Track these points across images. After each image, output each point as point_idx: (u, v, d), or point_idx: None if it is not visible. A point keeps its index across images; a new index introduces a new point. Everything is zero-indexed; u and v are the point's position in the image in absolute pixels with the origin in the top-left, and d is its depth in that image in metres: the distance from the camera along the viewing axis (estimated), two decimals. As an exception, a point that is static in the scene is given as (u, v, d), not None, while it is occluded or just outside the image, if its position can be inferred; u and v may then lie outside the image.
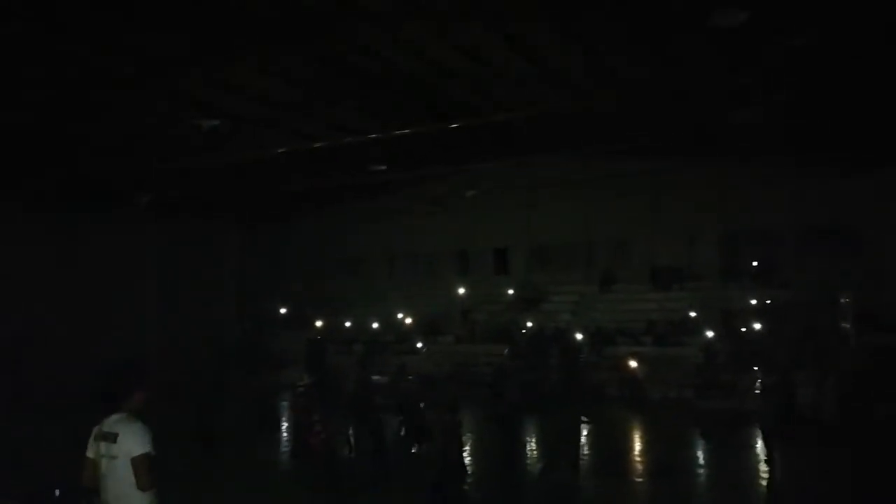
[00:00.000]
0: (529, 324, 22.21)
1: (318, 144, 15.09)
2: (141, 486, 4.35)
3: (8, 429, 13.89)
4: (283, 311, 26.29)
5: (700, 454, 12.65)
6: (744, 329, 19.11)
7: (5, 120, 13.57)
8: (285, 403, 11.65)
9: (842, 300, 18.15)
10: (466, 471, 10.50)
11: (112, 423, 4.52)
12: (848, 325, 17.95)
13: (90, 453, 4.62)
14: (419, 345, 22.72)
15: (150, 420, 4.56)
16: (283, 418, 15.95)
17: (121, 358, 4.96)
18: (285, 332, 25.23)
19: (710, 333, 19.07)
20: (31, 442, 12.97)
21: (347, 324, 24.88)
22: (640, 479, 10.72)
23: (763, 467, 11.40)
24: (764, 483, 10.47)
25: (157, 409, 5.06)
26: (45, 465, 10.20)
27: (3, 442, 12.52)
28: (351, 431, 12.03)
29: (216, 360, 22.23)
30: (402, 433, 11.84)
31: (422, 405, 11.77)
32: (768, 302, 20.09)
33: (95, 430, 4.62)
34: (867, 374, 14.93)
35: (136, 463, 4.33)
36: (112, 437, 4.43)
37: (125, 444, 4.37)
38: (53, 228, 20.75)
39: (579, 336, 20.41)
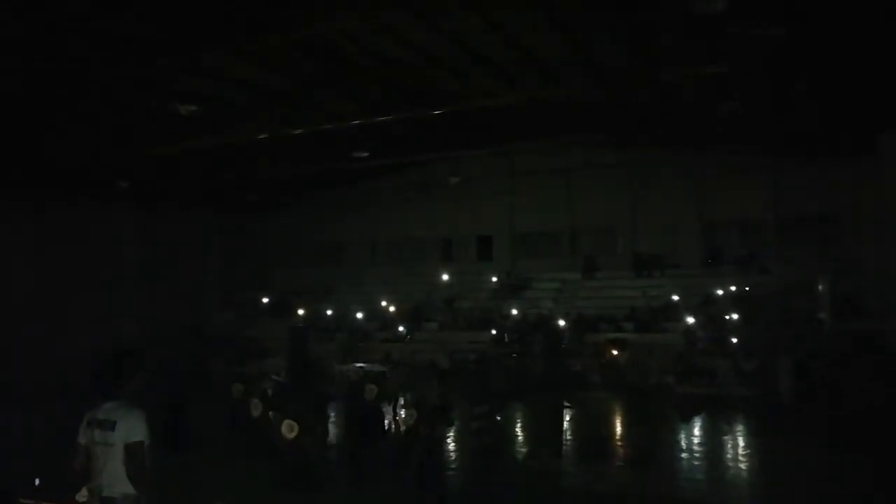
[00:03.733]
0: (513, 311, 22.28)
1: (298, 131, 14.93)
2: (130, 473, 4.28)
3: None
4: (265, 299, 26.09)
5: (680, 439, 12.82)
6: (724, 316, 19.33)
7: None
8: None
9: (820, 287, 18.43)
10: (445, 455, 10.50)
11: (108, 409, 4.44)
12: (825, 313, 18.24)
13: (82, 440, 4.55)
14: (398, 332, 22.71)
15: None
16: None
17: (118, 345, 4.88)
18: (267, 321, 25.08)
19: (690, 320, 19.27)
20: (8, 434, 12.83)
21: (330, 312, 24.78)
22: (620, 464, 10.84)
23: (742, 452, 11.63)
24: (743, 467, 10.66)
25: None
26: (24, 456, 10.11)
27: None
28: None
29: (197, 350, 22.06)
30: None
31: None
32: (748, 289, 20.34)
33: (88, 416, 4.53)
34: (842, 360, 15.21)
35: (131, 450, 4.27)
36: (109, 425, 4.35)
37: (122, 431, 4.29)
38: (29, 218, 20.37)
39: (562, 323, 20.51)
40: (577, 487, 9.71)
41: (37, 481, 7.46)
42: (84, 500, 5.46)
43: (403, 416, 10.03)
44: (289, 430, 9.43)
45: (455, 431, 11.96)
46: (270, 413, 10.60)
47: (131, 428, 4.30)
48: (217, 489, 8.96)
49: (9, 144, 15.63)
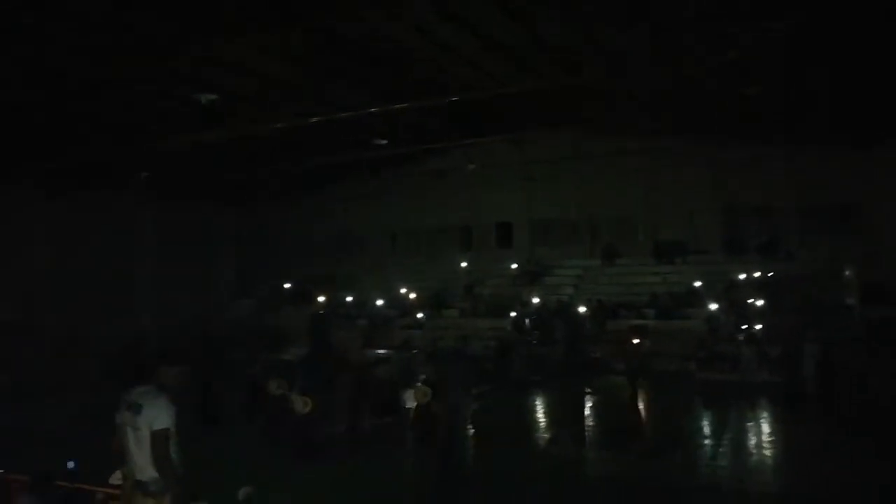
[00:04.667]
0: (533, 298, 22.22)
1: (315, 119, 14.95)
2: (154, 460, 4.35)
3: (11, 412, 14.03)
4: (286, 287, 26.31)
5: (703, 426, 12.74)
6: (747, 301, 19.07)
7: None
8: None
9: (845, 272, 18.09)
10: (466, 445, 10.62)
11: (138, 393, 4.52)
12: (851, 298, 17.93)
13: (118, 420, 4.65)
14: (418, 319, 22.77)
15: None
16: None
17: (143, 334, 4.95)
18: (289, 310, 25.31)
19: (713, 306, 19.05)
20: (37, 423, 13.13)
21: (350, 299, 24.93)
22: (643, 451, 10.78)
23: (767, 438, 11.51)
24: (768, 454, 10.55)
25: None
26: (54, 444, 10.38)
27: (10, 424, 12.65)
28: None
29: (219, 339, 22.32)
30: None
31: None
32: (771, 274, 20.04)
33: (123, 397, 4.63)
34: (868, 347, 14.96)
35: (155, 437, 4.33)
36: (137, 408, 4.43)
37: (148, 415, 4.36)
38: (48, 211, 20.65)
39: (582, 310, 20.42)
40: (599, 474, 9.70)
41: (70, 464, 7.67)
42: (118, 482, 5.60)
43: (416, 389, 10.31)
44: (303, 405, 10.09)
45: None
46: (286, 392, 10.97)
47: (157, 415, 4.36)
48: (236, 460, 9.48)
49: (29, 135, 15.85)
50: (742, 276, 20.39)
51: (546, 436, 11.69)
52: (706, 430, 12.38)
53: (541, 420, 13.65)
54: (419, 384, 12.77)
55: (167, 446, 4.35)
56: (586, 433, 11.54)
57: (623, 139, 22.19)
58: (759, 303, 18.79)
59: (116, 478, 5.88)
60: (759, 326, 17.65)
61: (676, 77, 14.17)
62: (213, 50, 11.64)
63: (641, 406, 14.14)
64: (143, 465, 4.41)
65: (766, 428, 12.37)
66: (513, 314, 21.39)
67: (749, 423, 12.64)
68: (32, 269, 19.78)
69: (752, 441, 11.43)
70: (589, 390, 15.39)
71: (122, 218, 22.98)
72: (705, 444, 11.25)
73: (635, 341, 18.29)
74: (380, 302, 24.02)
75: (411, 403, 10.14)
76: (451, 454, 8.95)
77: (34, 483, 6.64)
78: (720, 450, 10.83)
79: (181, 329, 21.99)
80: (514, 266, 24.98)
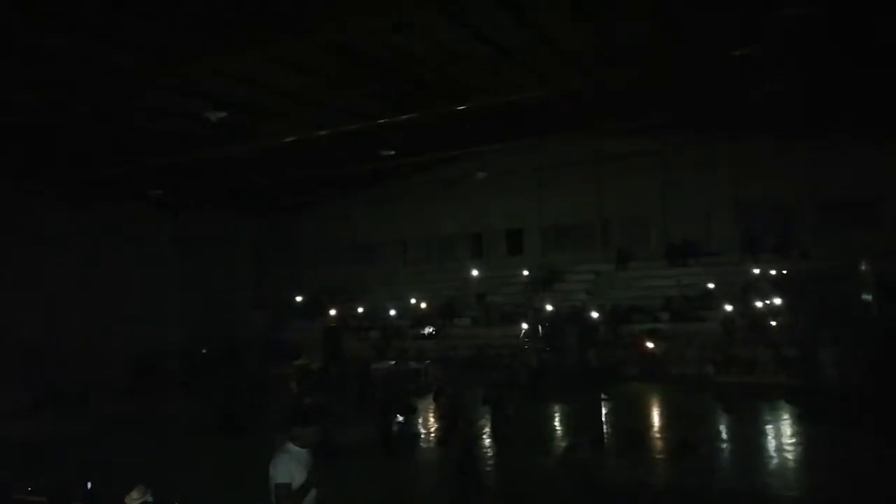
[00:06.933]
0: (546, 304, 22.14)
1: (325, 132, 15.03)
2: None
3: (34, 426, 14.13)
4: (298, 299, 26.39)
5: (722, 430, 12.59)
6: (764, 302, 18.90)
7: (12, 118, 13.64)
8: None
9: (862, 270, 17.88)
10: (483, 453, 10.63)
11: (276, 445, 4.80)
12: (870, 297, 17.70)
13: None
14: (430, 329, 22.76)
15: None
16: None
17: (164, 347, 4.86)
18: (301, 321, 25.37)
19: (728, 308, 18.89)
20: (59, 438, 13.20)
21: (363, 310, 24.95)
22: (662, 456, 10.68)
23: (788, 441, 11.36)
24: (790, 458, 10.41)
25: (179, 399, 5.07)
26: (74, 460, 10.42)
27: (31, 439, 12.74)
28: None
29: (235, 351, 22.43)
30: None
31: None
32: (786, 273, 19.86)
33: None
34: (887, 348, 14.74)
35: (275, 491, 4.57)
36: (273, 464, 4.68)
37: (273, 471, 4.62)
38: (69, 223, 20.82)
39: (596, 315, 20.31)
40: (617, 480, 9.60)
41: (88, 485, 7.67)
42: (134, 502, 5.61)
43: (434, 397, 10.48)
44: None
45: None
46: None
47: (276, 471, 4.61)
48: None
49: (49, 147, 16.04)
50: (757, 277, 20.22)
51: (562, 443, 11.60)
52: (724, 434, 12.24)
53: (556, 428, 13.54)
54: (435, 392, 12.87)
55: (285, 500, 4.55)
56: (603, 439, 11.43)
57: (636, 140, 22.14)
58: (776, 302, 18.62)
59: (132, 498, 5.91)
60: (774, 326, 17.49)
61: (691, 73, 14.12)
62: (225, 64, 11.73)
63: (658, 411, 14.00)
64: None
65: (782, 431, 12.18)
66: (525, 322, 21.32)
67: (766, 427, 12.46)
68: (53, 282, 19.94)
69: (770, 445, 11.29)
70: (605, 396, 15.28)
71: (143, 229, 23.17)
72: (721, 449, 11.12)
73: (650, 345, 18.24)
74: (392, 312, 24.02)
75: (429, 409, 10.23)
76: (468, 459, 8.91)
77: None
78: (736, 455, 10.70)
79: (203, 341, 22.24)
80: (526, 273, 24.91)
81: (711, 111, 18.31)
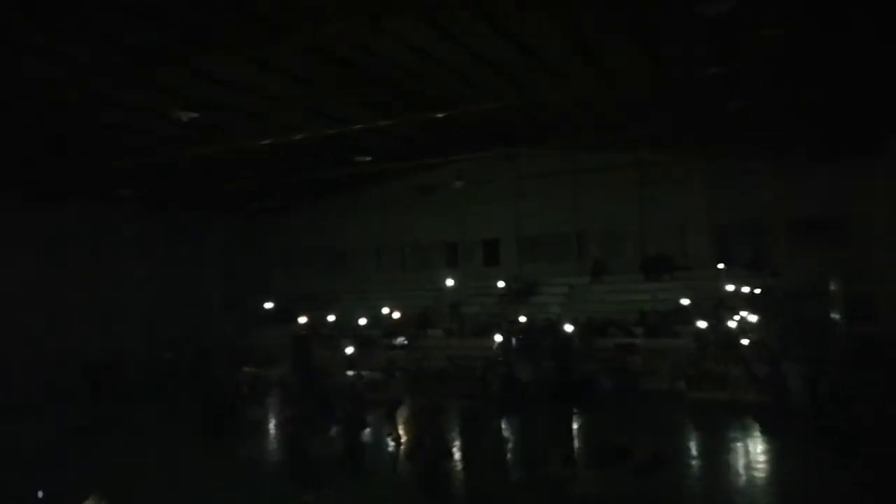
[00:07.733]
0: (521, 316, 22.00)
1: (302, 136, 14.76)
2: None
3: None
4: (268, 305, 25.86)
5: (693, 445, 12.53)
6: (736, 319, 19.00)
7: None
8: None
9: (832, 288, 18.09)
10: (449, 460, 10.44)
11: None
12: (838, 315, 17.91)
13: None
14: (402, 339, 22.46)
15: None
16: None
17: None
18: (270, 328, 24.86)
19: (701, 324, 18.94)
20: (16, 442, 12.72)
21: (333, 318, 24.52)
22: (632, 471, 10.56)
23: (758, 458, 11.34)
24: (760, 474, 10.37)
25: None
26: (32, 466, 10.02)
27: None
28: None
29: (200, 357, 21.93)
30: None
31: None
32: (758, 291, 20.03)
33: None
34: (853, 368, 14.90)
35: None
36: None
37: None
38: (33, 223, 20.23)
39: (570, 328, 20.22)
40: (587, 494, 9.46)
41: (39, 494, 7.31)
42: None
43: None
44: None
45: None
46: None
47: None
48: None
49: (18, 146, 15.53)
50: (730, 292, 20.35)
51: (535, 456, 11.43)
52: (694, 450, 12.18)
53: (526, 441, 13.36)
54: (392, 406, 12.71)
55: None
56: (574, 453, 11.30)
57: (613, 153, 22.23)
58: (748, 319, 18.72)
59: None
60: (746, 344, 17.55)
61: (665, 90, 14.18)
62: (200, 64, 11.44)
63: (630, 425, 13.91)
64: None
65: (751, 448, 12.16)
66: (499, 334, 21.14)
67: (735, 444, 12.43)
68: (18, 284, 19.30)
69: (739, 462, 11.25)
70: (577, 410, 15.17)
71: (109, 230, 22.58)
72: (692, 465, 11.05)
73: (624, 359, 18.21)
74: (363, 321, 23.64)
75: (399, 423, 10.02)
76: (438, 471, 8.72)
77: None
78: (704, 470, 10.63)
79: (169, 346, 21.70)
80: (501, 284, 24.78)
81: (687, 128, 18.46)
